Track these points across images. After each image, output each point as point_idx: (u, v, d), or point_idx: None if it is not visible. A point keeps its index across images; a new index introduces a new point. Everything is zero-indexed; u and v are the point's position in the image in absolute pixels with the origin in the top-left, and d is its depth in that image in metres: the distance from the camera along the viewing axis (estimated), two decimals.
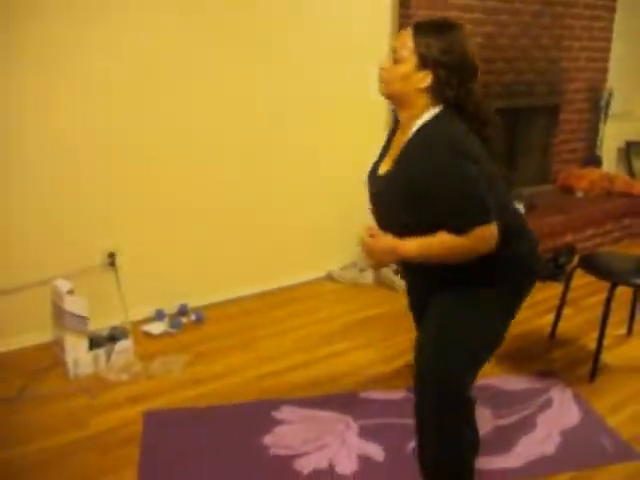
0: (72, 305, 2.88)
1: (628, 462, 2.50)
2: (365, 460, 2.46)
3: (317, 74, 3.84)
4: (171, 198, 3.48)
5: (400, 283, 4.01)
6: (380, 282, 4.15)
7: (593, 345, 3.15)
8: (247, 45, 3.53)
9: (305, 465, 2.42)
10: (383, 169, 2.16)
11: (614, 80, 5.52)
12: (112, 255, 3.32)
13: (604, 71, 5.45)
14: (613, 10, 5.29)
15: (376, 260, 2.13)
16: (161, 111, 3.33)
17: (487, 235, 1.92)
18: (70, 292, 2.88)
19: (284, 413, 2.74)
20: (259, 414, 2.73)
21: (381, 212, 2.20)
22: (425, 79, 1.96)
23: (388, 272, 4.12)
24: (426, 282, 2.26)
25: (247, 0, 3.46)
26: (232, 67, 3.52)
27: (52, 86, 3.02)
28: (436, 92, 1.98)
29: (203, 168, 3.55)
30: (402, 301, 3.81)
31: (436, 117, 1.99)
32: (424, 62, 1.95)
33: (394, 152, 2.13)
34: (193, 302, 3.65)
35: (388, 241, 2.04)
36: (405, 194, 2.01)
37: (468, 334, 2.06)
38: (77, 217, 3.21)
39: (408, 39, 1.98)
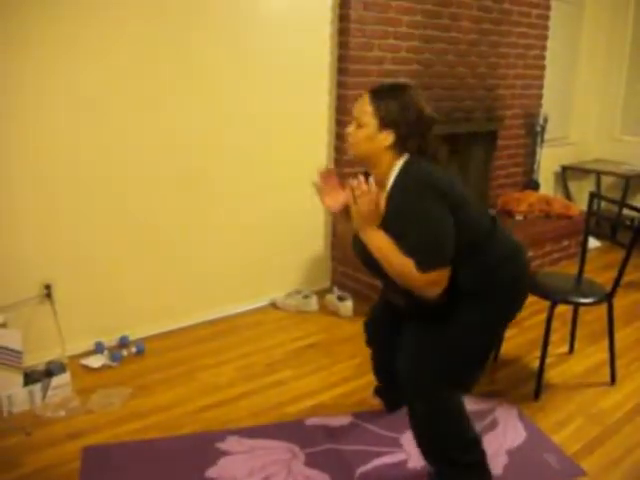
0: (5, 339, 2.77)
1: (574, 478, 2.52)
2: None
3: (257, 103, 3.83)
4: (108, 228, 3.40)
5: (344, 309, 4.00)
6: (324, 309, 4.12)
7: (536, 364, 3.18)
8: (181, 77, 3.50)
9: None
10: None
11: (549, 106, 5.68)
12: (48, 287, 3.22)
13: (539, 97, 5.60)
14: (545, 39, 5.46)
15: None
16: (95, 141, 3.26)
17: (438, 281, 2.08)
18: (3, 325, 2.78)
19: (229, 444, 2.68)
20: (203, 446, 2.66)
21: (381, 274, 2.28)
22: (388, 138, 2.17)
23: (332, 299, 4.10)
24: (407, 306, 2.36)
25: (183, 28, 3.44)
26: (167, 100, 3.47)
27: None
28: (399, 147, 2.18)
29: (141, 198, 3.49)
30: (346, 328, 3.84)
31: (405, 166, 2.18)
32: (385, 123, 2.16)
33: None
34: (134, 334, 3.56)
35: (378, 210, 2.17)
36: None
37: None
38: (11, 247, 3.10)
39: (367, 104, 2.19)
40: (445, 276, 2.09)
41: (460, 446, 2.28)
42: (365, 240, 2.19)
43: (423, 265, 2.05)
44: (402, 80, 2.30)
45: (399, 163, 2.19)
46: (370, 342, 2.82)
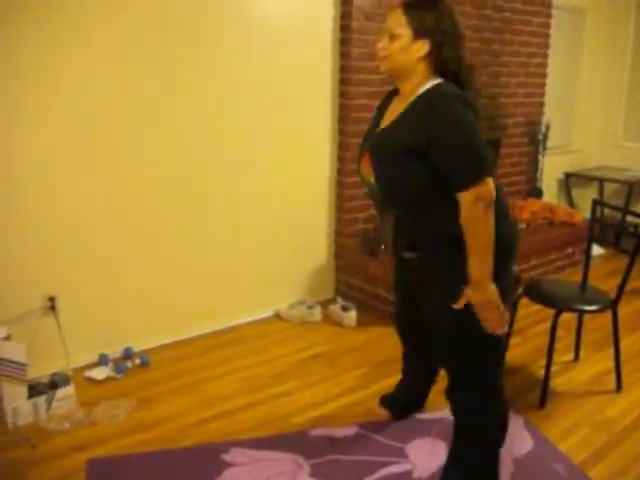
0: (9, 351, 2.77)
1: None
2: None
3: (259, 114, 3.84)
4: (111, 240, 3.40)
5: (348, 320, 3.99)
6: (328, 319, 4.11)
7: (541, 372, 3.17)
8: (182, 87, 3.51)
9: None
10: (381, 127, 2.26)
11: (551, 114, 5.68)
12: (52, 299, 3.22)
13: (541, 105, 5.60)
14: (547, 47, 5.47)
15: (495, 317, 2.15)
16: (96, 155, 3.27)
17: (489, 185, 2.01)
18: (7, 338, 2.77)
19: (233, 455, 2.67)
20: (208, 458, 2.65)
21: (377, 171, 2.21)
22: (423, 47, 2.10)
23: (336, 309, 4.09)
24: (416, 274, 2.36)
25: (181, 43, 3.46)
26: (167, 111, 3.48)
27: None
28: (435, 58, 2.12)
29: (143, 210, 3.49)
30: (350, 338, 3.83)
31: (438, 84, 2.11)
32: (419, 33, 2.09)
33: (392, 115, 2.21)
34: (138, 345, 3.55)
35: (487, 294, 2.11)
36: (405, 148, 2.08)
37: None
38: (15, 260, 3.11)
39: (400, 15, 2.12)
40: (490, 182, 2.02)
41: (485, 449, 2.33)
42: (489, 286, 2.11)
43: (471, 182, 1.99)
44: None
45: (432, 81, 2.12)
46: (401, 337, 2.84)
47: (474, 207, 2.01)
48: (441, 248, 2.18)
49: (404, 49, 2.11)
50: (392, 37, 2.13)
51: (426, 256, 2.24)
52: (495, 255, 2.09)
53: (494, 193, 2.03)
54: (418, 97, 2.11)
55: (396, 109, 2.20)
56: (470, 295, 2.11)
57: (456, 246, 2.09)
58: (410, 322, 2.70)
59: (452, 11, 2.15)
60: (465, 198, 2.01)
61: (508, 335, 2.50)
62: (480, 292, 2.09)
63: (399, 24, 2.11)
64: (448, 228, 2.10)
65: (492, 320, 2.13)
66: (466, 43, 2.19)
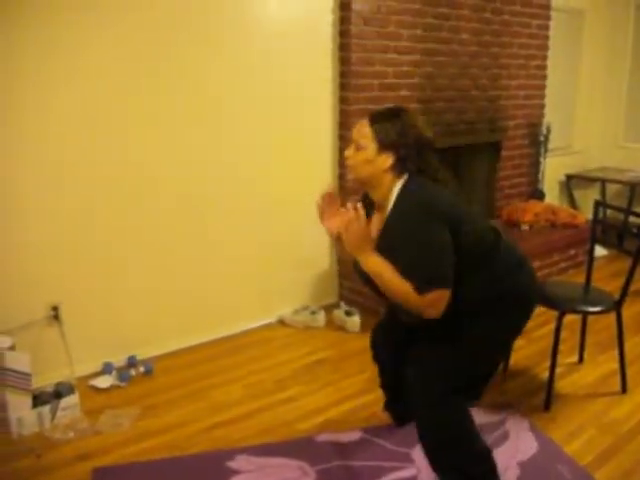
0: (13, 362, 2.77)
1: None
2: None
3: (260, 120, 3.84)
4: (114, 248, 3.41)
5: (352, 324, 3.99)
6: (332, 324, 4.11)
7: (546, 374, 3.16)
8: (183, 92, 3.52)
9: None
10: None
11: (551, 116, 5.68)
12: (56, 308, 3.23)
13: (541, 107, 5.60)
14: (546, 49, 5.47)
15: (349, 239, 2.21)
16: (97, 160, 3.27)
17: (437, 302, 2.09)
18: (11, 348, 2.77)
19: (239, 463, 2.66)
20: (213, 465, 2.65)
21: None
22: (387, 161, 2.20)
23: (340, 314, 4.09)
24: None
25: (190, 52, 3.47)
26: (168, 116, 3.49)
27: None
28: (399, 168, 2.21)
29: (146, 217, 3.50)
30: (354, 342, 3.82)
31: (404, 187, 2.20)
32: (384, 146, 2.19)
33: (375, 228, 2.31)
34: (142, 353, 3.55)
35: (367, 238, 2.19)
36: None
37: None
38: (18, 270, 3.11)
39: (365, 128, 2.23)
40: (445, 297, 2.10)
41: (471, 457, 2.27)
42: (361, 265, 2.21)
43: (422, 287, 2.08)
44: (400, 105, 2.33)
45: (398, 184, 2.21)
46: (377, 358, 2.81)
47: (418, 307, 2.11)
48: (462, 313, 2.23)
49: (369, 161, 2.21)
50: (358, 147, 2.24)
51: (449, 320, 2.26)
52: (496, 310, 2.25)
53: (440, 312, 2.11)
54: (391, 208, 2.22)
55: (377, 222, 2.31)
56: (367, 255, 2.19)
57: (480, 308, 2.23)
58: (394, 339, 2.68)
59: (416, 122, 2.23)
60: (421, 295, 2.09)
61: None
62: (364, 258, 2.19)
63: (365, 136, 2.22)
64: (470, 296, 2.21)
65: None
66: (432, 149, 2.27)
